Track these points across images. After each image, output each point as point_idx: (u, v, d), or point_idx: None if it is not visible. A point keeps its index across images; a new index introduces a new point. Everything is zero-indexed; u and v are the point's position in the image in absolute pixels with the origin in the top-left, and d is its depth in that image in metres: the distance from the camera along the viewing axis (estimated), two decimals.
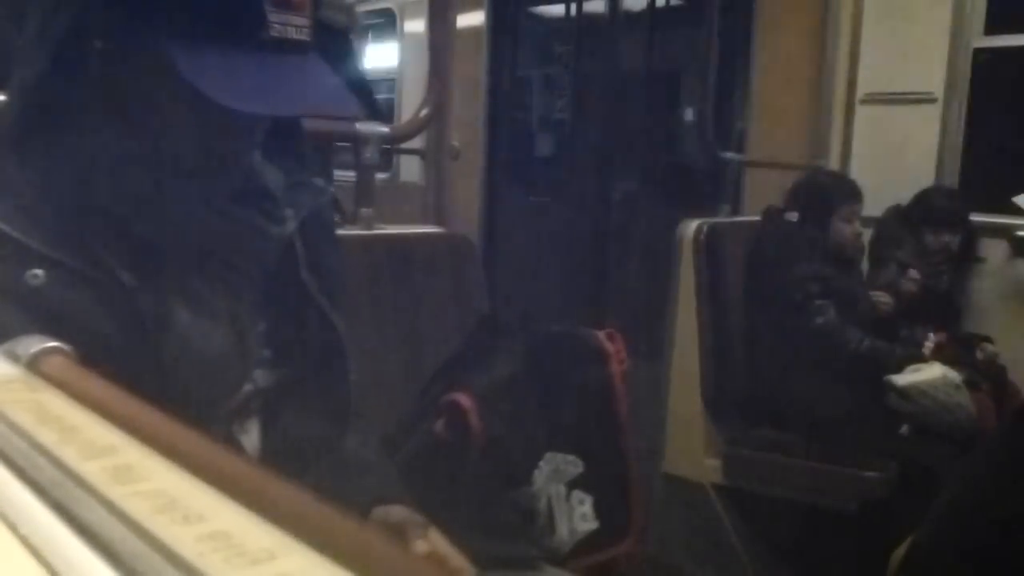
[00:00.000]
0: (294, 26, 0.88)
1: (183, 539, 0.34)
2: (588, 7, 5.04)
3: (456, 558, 1.07)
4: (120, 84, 0.90)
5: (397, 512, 1.08)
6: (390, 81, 4.74)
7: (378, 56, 5.16)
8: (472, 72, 4.03)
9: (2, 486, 0.42)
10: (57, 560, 0.35)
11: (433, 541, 1.07)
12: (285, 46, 0.88)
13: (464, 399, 1.43)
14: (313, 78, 0.92)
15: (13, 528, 0.38)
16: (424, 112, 2.01)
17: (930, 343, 2.67)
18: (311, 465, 1.05)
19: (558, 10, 5.23)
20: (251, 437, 1.03)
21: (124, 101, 0.90)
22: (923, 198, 2.92)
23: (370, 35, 5.25)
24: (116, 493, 0.38)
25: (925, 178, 3.07)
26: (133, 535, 0.35)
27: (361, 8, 4.97)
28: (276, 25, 0.86)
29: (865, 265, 2.95)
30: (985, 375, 2.62)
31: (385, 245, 1.81)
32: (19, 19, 0.91)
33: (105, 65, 0.89)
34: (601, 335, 1.65)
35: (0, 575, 0.36)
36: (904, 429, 2.48)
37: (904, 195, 2.97)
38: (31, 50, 0.89)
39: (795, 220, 2.70)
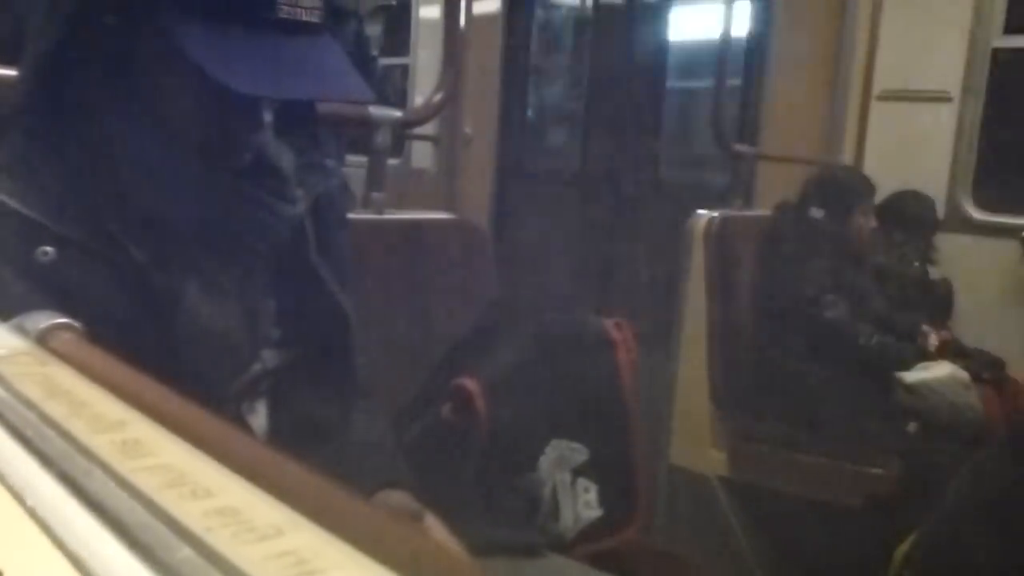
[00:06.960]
0: (304, 7, 0.88)
1: (192, 514, 0.34)
2: None
3: (452, 548, 1.06)
4: (130, 61, 0.90)
5: (396, 498, 1.08)
6: (403, 67, 4.72)
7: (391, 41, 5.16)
8: (486, 60, 4.02)
9: (10, 457, 0.42)
10: (64, 532, 0.35)
11: (430, 529, 1.07)
12: (295, 28, 0.88)
13: (471, 384, 1.43)
14: (324, 61, 0.91)
15: (20, 499, 0.38)
16: (437, 98, 2.00)
17: (935, 340, 2.66)
18: (318, 446, 1.05)
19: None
20: (259, 417, 1.03)
21: (134, 78, 0.90)
22: (894, 201, 2.94)
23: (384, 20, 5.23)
24: (125, 467, 0.38)
25: (939, 176, 3.05)
26: (142, 508, 0.35)
27: None
28: (285, 7, 0.86)
29: None
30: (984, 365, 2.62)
31: (396, 230, 1.81)
32: None
33: (115, 42, 0.88)
34: (610, 324, 1.65)
35: (8, 546, 0.36)
36: (911, 427, 2.47)
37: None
38: (42, 27, 0.89)
39: (809, 215, 2.69)
